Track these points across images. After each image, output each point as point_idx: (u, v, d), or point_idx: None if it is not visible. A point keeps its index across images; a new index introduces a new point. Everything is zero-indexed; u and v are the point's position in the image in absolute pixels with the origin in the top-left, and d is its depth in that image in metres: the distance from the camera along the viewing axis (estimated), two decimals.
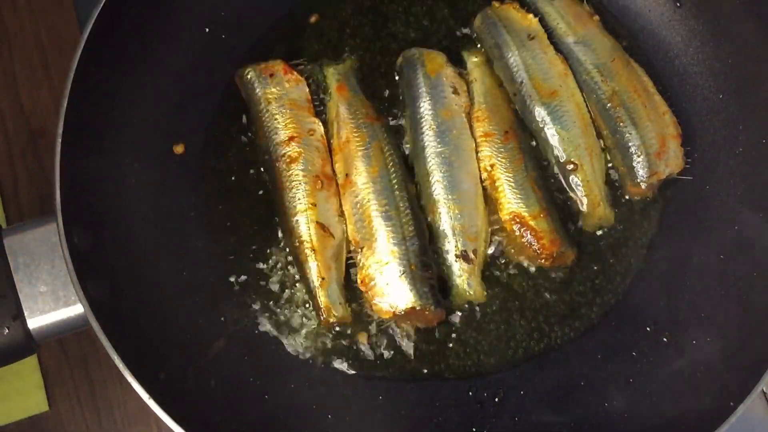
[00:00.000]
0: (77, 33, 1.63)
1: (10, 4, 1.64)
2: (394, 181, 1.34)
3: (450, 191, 1.33)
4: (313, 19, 1.49)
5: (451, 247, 1.32)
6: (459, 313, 1.34)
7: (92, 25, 1.24)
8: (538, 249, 1.32)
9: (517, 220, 1.32)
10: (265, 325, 1.35)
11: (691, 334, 1.31)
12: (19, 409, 1.47)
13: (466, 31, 1.48)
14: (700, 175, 1.39)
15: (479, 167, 1.36)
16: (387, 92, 1.45)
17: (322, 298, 1.30)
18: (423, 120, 1.38)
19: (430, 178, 1.34)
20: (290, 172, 1.33)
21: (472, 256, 1.31)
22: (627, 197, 1.39)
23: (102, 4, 1.25)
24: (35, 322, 1.16)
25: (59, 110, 1.20)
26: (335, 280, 1.31)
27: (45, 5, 1.64)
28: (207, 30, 1.46)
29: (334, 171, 1.37)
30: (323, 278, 1.29)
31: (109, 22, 1.26)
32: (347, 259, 1.33)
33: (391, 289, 1.29)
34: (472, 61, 1.45)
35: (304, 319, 1.34)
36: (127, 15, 1.31)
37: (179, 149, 1.40)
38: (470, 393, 1.32)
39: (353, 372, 1.33)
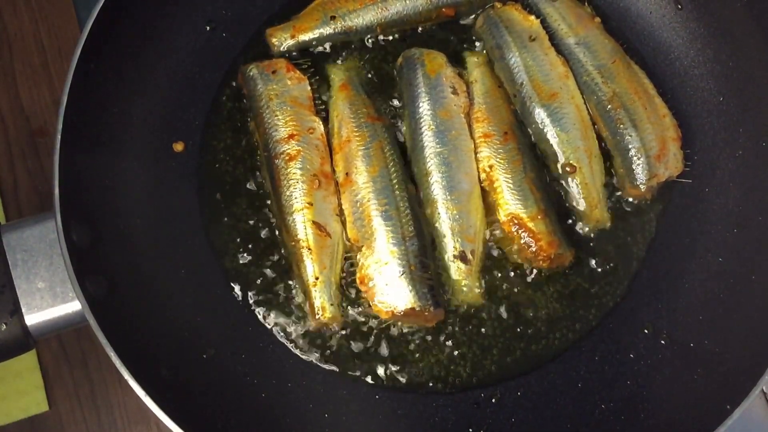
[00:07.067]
0: (77, 33, 1.63)
1: (10, 4, 1.65)
2: (395, 181, 1.34)
3: (448, 191, 1.33)
4: None
5: (449, 247, 1.32)
6: (457, 315, 1.34)
7: (92, 25, 1.24)
8: (536, 250, 1.32)
9: (516, 221, 1.32)
10: (263, 324, 1.34)
11: (689, 336, 1.31)
12: (19, 409, 1.47)
13: (467, 31, 1.48)
14: (699, 177, 1.39)
15: (478, 168, 1.36)
16: (388, 92, 1.45)
17: (315, 299, 1.30)
18: (422, 120, 1.37)
19: (429, 178, 1.34)
20: (288, 170, 1.33)
21: (469, 257, 1.31)
22: (626, 199, 1.39)
23: (102, 4, 1.25)
24: (33, 318, 1.16)
25: (59, 108, 1.20)
26: (330, 280, 1.31)
27: (45, 5, 1.65)
28: (208, 28, 1.46)
29: (333, 170, 1.37)
30: (317, 278, 1.30)
31: (109, 22, 1.26)
32: (346, 259, 1.33)
33: (391, 290, 1.29)
34: (473, 61, 1.45)
35: (302, 318, 1.34)
36: (127, 14, 1.32)
37: (179, 147, 1.40)
38: (467, 393, 1.32)
39: (350, 373, 1.33)
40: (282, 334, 1.34)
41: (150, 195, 1.36)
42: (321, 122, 1.39)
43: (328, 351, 1.33)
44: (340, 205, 1.34)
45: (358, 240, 1.31)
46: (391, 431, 1.31)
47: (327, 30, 1.45)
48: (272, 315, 1.35)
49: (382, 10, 1.45)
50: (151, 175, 1.37)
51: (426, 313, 1.28)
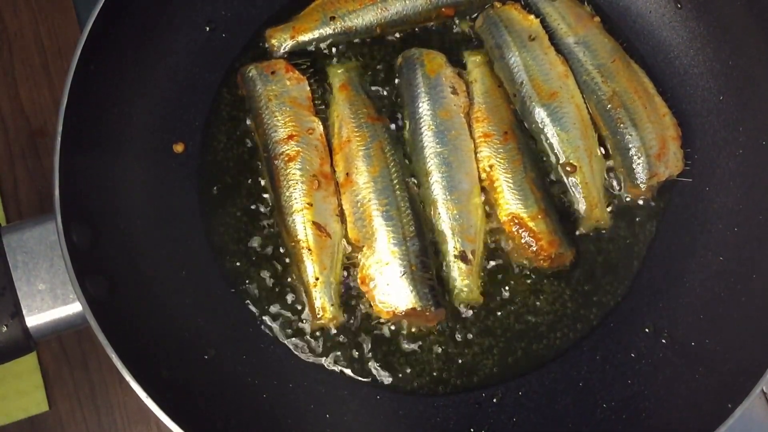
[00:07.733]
0: (77, 33, 1.63)
1: (10, 4, 1.64)
2: (395, 181, 1.34)
3: (449, 191, 1.33)
4: None
5: (449, 247, 1.32)
6: (457, 315, 1.34)
7: (92, 25, 1.24)
8: (537, 250, 1.32)
9: (516, 221, 1.32)
10: (264, 325, 1.34)
11: (690, 335, 1.31)
12: (19, 409, 1.47)
13: (466, 31, 1.48)
14: (699, 176, 1.39)
15: (478, 168, 1.36)
16: (388, 92, 1.45)
17: (315, 299, 1.30)
18: (422, 120, 1.37)
19: (429, 178, 1.34)
20: (288, 170, 1.33)
21: (470, 256, 1.31)
22: (626, 198, 1.39)
23: (102, 4, 1.25)
24: (33, 320, 1.16)
25: (59, 109, 1.19)
26: (330, 280, 1.31)
27: (45, 5, 1.64)
28: (208, 28, 1.46)
29: (333, 170, 1.37)
30: (317, 278, 1.30)
31: (109, 21, 1.26)
32: (346, 259, 1.33)
33: (392, 290, 1.29)
34: (472, 61, 1.44)
35: (302, 319, 1.34)
36: (127, 14, 1.31)
37: (179, 148, 1.40)
38: (468, 394, 1.32)
39: (351, 374, 1.33)
40: (283, 335, 1.34)
41: (150, 195, 1.36)
42: (320, 123, 1.39)
43: (329, 351, 1.33)
44: (340, 205, 1.34)
45: (359, 240, 1.31)
46: (392, 431, 1.32)
47: (327, 30, 1.45)
48: (273, 315, 1.35)
49: (382, 10, 1.45)
50: (151, 175, 1.37)
51: (427, 314, 1.28)
